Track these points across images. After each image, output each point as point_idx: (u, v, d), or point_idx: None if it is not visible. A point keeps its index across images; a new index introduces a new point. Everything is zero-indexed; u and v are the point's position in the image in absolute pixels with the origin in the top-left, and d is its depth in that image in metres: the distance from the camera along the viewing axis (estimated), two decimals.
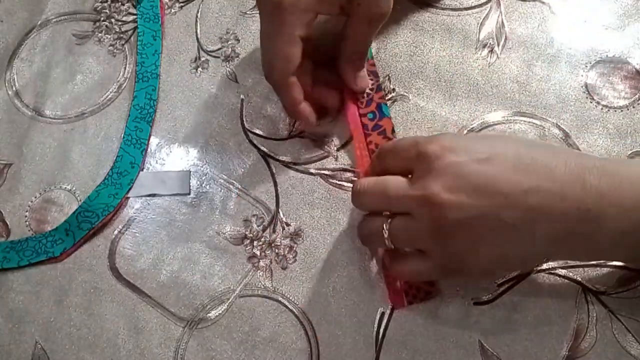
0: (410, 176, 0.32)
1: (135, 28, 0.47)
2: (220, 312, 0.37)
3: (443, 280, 0.36)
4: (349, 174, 0.40)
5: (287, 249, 0.39)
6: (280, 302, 0.37)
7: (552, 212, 0.28)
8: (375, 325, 0.36)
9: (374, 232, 0.33)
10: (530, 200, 0.28)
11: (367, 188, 0.34)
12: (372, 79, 0.41)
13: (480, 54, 0.42)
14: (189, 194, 0.41)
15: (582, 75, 0.40)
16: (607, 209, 0.28)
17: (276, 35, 0.35)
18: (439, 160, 0.30)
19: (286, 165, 0.41)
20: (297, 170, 0.41)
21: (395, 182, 0.32)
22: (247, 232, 0.39)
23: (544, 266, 0.36)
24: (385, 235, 0.32)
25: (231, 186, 0.41)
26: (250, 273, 0.38)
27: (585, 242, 0.29)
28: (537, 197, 0.28)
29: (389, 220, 0.32)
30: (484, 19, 0.43)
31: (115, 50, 0.46)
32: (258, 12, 0.37)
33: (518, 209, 0.28)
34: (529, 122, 0.39)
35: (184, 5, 0.47)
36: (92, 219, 0.40)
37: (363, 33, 0.37)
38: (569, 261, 0.36)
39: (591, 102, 0.39)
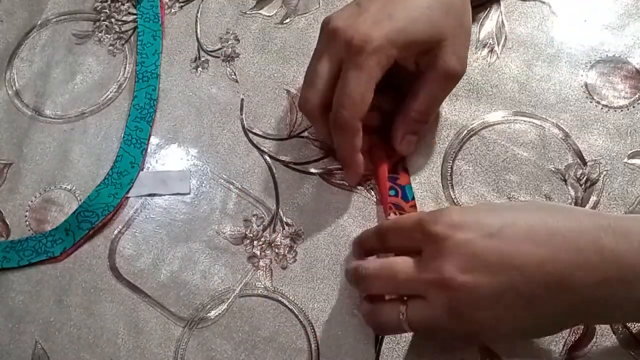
0: (416, 256, 0.31)
1: (135, 28, 0.47)
2: (220, 312, 0.37)
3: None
4: None
5: (287, 249, 0.39)
6: (280, 302, 0.37)
7: (570, 282, 0.27)
8: None
9: (390, 321, 0.31)
10: (547, 272, 0.28)
11: (372, 272, 0.32)
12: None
13: (480, 54, 0.42)
14: (189, 193, 0.41)
15: (582, 75, 0.40)
16: (626, 273, 0.27)
17: (354, 73, 0.33)
18: (448, 240, 0.29)
19: (286, 165, 0.41)
20: (297, 170, 0.41)
21: (403, 265, 0.30)
22: (247, 232, 0.39)
23: None
24: (404, 323, 0.31)
25: (231, 186, 0.41)
26: (250, 273, 0.38)
27: (603, 308, 0.28)
28: (552, 267, 0.27)
29: (405, 307, 0.31)
30: (483, 18, 0.43)
31: (115, 50, 0.46)
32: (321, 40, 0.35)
33: (535, 282, 0.28)
34: (529, 122, 0.39)
35: (184, 5, 0.47)
36: (92, 219, 0.40)
37: (435, 90, 0.36)
38: None
39: (591, 102, 0.39)
